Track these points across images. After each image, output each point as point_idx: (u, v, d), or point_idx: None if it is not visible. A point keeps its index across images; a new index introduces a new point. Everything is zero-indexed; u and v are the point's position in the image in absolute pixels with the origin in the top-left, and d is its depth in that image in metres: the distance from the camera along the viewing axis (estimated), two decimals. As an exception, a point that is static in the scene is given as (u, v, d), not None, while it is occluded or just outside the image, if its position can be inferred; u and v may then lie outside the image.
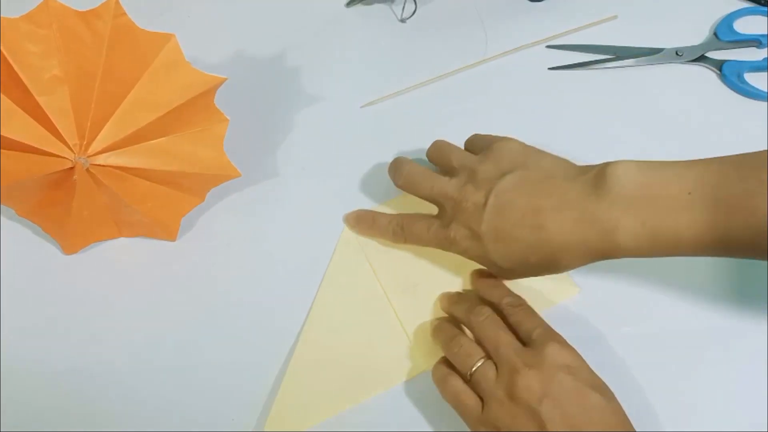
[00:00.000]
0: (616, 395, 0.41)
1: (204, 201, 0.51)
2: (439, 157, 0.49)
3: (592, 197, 0.40)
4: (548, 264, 0.42)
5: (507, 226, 0.42)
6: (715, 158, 0.39)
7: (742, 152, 0.39)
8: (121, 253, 0.52)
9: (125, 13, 0.44)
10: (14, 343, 0.49)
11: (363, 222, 0.51)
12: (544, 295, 0.48)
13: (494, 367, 0.41)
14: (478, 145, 0.48)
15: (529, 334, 0.42)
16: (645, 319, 0.48)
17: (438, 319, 0.48)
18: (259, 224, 0.52)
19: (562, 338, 0.42)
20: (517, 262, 0.42)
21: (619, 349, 0.47)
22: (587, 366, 0.41)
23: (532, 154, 0.45)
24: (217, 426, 0.46)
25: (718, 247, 0.38)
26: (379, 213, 0.51)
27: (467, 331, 0.45)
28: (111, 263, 0.51)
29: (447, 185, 0.45)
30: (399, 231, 0.48)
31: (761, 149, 0.38)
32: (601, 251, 0.40)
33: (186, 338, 0.49)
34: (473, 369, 0.41)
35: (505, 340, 0.42)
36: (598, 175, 0.40)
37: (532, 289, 0.47)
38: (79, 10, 0.44)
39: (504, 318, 0.44)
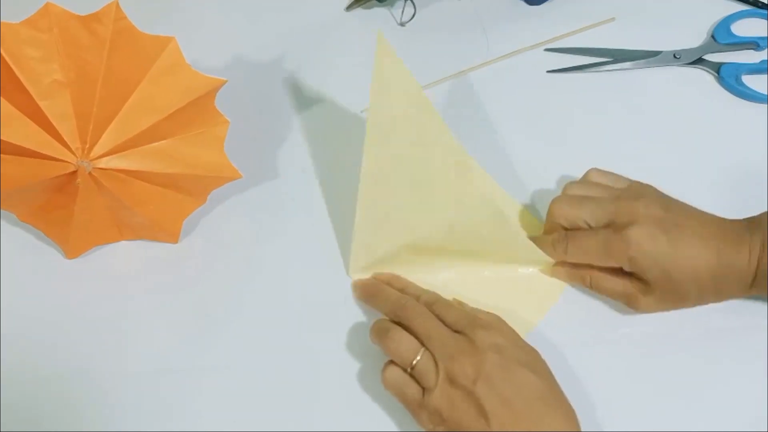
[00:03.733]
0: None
1: (205, 203, 0.51)
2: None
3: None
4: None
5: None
6: None
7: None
8: (123, 256, 0.52)
9: (126, 17, 0.44)
10: (16, 347, 0.49)
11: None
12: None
13: (432, 357, 0.42)
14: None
15: (453, 325, 0.43)
16: (644, 320, 0.48)
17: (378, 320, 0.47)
18: (261, 225, 0.52)
19: (489, 319, 0.44)
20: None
21: (619, 350, 0.47)
22: (517, 343, 0.43)
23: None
24: (218, 427, 0.46)
25: None
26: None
27: None
28: (113, 266, 0.51)
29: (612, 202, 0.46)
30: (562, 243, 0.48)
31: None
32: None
33: (187, 340, 0.49)
34: (414, 363, 0.42)
35: (435, 329, 0.43)
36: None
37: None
38: (80, 14, 0.44)
39: None
